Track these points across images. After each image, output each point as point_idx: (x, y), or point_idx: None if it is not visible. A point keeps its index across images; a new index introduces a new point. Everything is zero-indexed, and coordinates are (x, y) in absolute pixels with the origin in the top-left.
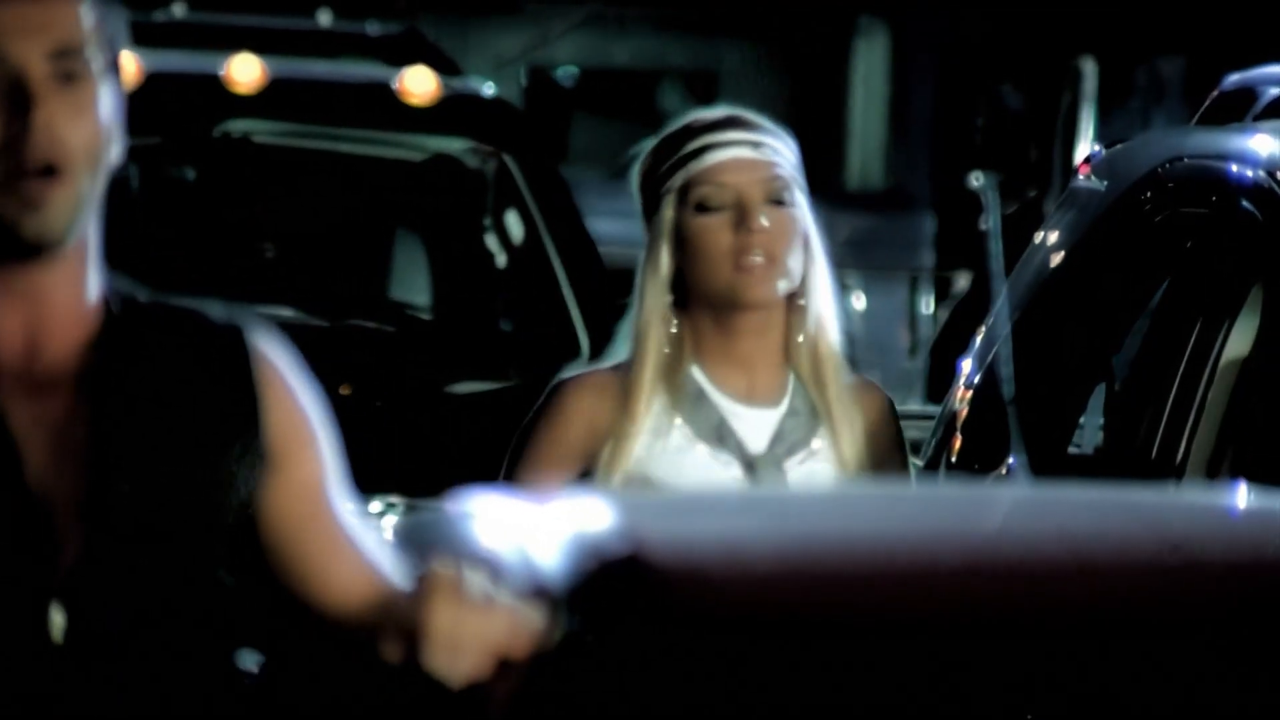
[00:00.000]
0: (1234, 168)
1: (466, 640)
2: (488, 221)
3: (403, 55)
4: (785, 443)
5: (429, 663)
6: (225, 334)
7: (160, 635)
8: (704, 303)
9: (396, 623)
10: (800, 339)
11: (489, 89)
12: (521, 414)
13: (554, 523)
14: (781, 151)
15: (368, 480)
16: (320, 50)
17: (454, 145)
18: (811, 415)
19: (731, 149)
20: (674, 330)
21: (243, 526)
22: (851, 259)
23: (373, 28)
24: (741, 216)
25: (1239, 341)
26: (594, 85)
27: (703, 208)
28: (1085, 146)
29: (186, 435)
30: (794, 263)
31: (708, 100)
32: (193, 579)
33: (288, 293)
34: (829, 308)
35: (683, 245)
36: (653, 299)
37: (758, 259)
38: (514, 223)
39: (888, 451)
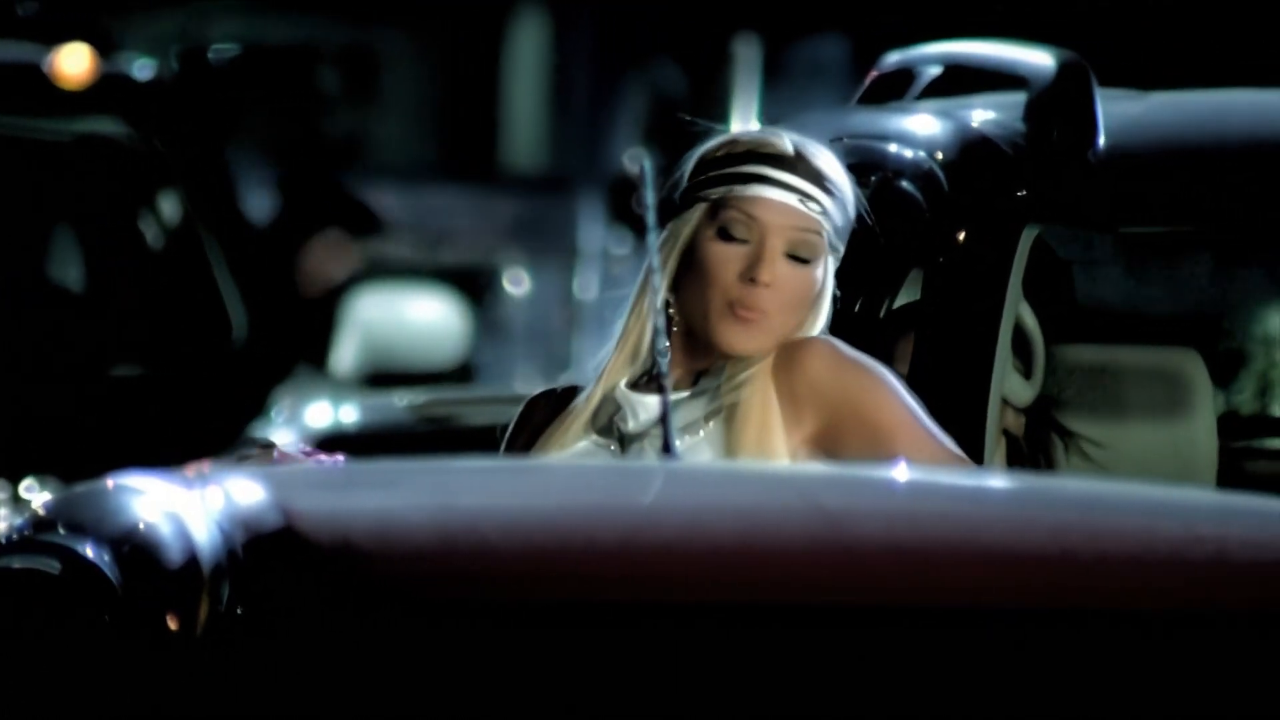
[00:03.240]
0: (894, 147)
1: None
2: (142, 205)
3: (58, 33)
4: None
5: None
6: None
7: None
8: (684, 320)
9: None
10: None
11: (145, 69)
12: (174, 396)
13: (208, 498)
14: (829, 210)
15: (24, 460)
16: None
17: (108, 127)
18: (715, 397)
19: (779, 190)
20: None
21: None
22: (514, 242)
23: (26, 6)
24: (755, 261)
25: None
26: (250, 65)
27: (724, 234)
28: (745, 127)
29: None
30: (789, 321)
31: (365, 82)
32: None
33: None
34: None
35: (691, 259)
36: (646, 303)
37: (750, 312)
38: (168, 205)
39: (842, 394)
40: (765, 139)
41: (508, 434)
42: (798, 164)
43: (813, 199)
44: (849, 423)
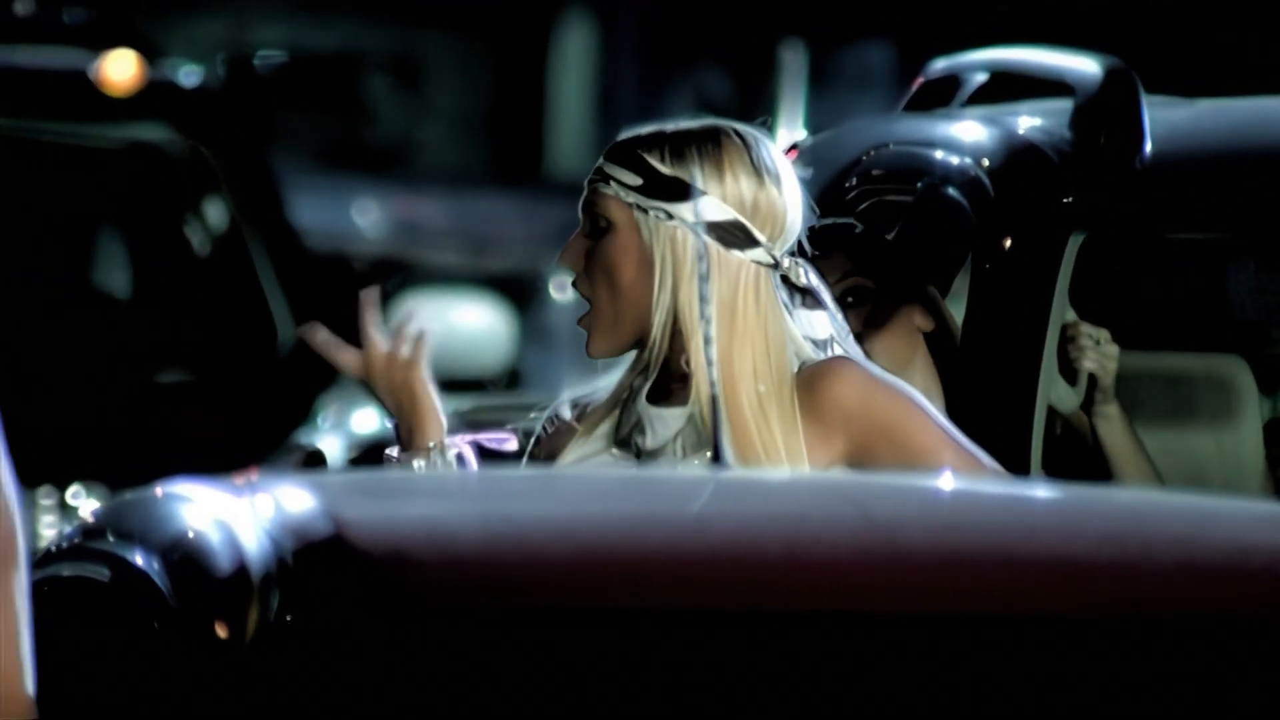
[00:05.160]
0: (940, 154)
1: None
2: (188, 211)
3: (104, 39)
4: (685, 440)
5: None
6: None
7: None
8: None
9: None
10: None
11: (191, 75)
12: (220, 402)
13: (257, 506)
14: (620, 175)
15: (71, 467)
16: (18, 37)
17: (154, 134)
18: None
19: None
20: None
21: None
22: (560, 249)
23: (73, 13)
24: None
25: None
26: (296, 73)
27: None
28: (791, 134)
29: None
30: (615, 304)
31: (410, 88)
32: None
33: None
34: (680, 333)
35: None
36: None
37: (581, 318)
38: (214, 212)
39: (871, 417)
40: None
41: (530, 444)
42: (606, 155)
43: (596, 176)
44: (880, 445)
